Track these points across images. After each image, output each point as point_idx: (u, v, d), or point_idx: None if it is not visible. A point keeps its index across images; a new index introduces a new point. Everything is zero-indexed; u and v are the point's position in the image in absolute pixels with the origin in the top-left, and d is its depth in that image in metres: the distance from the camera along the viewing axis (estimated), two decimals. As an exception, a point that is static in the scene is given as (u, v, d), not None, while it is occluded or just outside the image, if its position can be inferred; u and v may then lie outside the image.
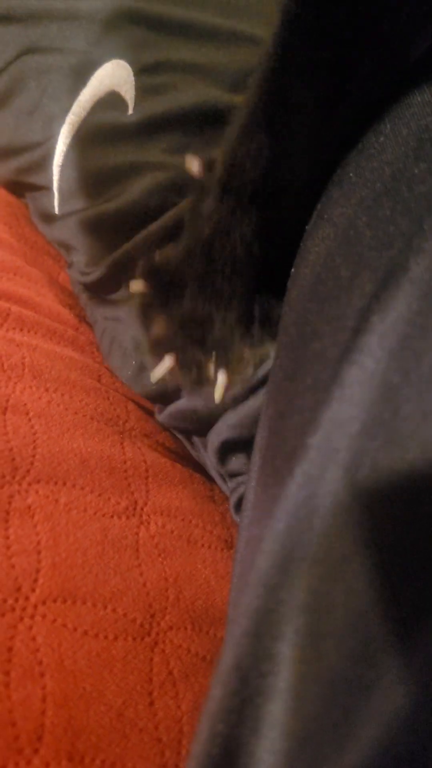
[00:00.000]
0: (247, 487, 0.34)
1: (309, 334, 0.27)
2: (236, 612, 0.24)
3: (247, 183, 0.34)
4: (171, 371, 0.38)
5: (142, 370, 0.45)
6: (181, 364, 0.38)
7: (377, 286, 0.23)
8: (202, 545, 0.38)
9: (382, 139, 0.30)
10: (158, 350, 0.38)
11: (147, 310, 0.39)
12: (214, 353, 0.38)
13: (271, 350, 0.37)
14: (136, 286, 0.39)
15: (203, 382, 0.38)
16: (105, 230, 0.46)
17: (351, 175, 0.30)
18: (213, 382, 0.38)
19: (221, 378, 0.38)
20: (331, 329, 0.25)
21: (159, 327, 0.39)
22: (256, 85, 0.33)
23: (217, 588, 0.37)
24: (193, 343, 0.38)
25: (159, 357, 0.38)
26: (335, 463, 0.21)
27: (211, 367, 0.38)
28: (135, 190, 0.45)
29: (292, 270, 0.32)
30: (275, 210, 0.35)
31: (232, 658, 0.21)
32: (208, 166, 0.38)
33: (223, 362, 0.38)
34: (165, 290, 0.38)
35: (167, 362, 0.38)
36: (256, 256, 0.35)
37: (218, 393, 0.38)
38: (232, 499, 0.41)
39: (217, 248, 0.36)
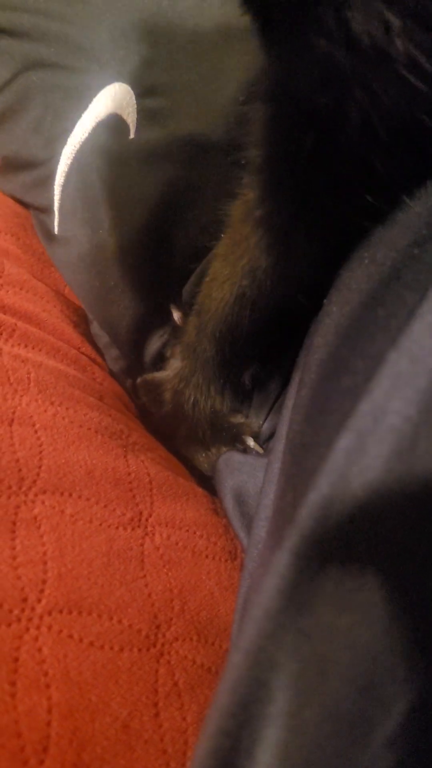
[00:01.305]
0: (260, 507, 0.34)
1: (341, 370, 0.27)
2: (239, 634, 0.24)
3: (220, 326, 0.42)
4: None
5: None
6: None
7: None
8: (207, 556, 0.39)
9: (429, 183, 0.30)
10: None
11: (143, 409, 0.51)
12: (206, 422, 0.47)
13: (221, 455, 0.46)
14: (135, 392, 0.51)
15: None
16: (91, 273, 0.48)
17: (397, 217, 0.31)
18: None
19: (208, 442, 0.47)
20: (364, 366, 0.25)
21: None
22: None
23: (221, 599, 0.37)
24: (169, 438, 0.48)
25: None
26: (349, 495, 0.21)
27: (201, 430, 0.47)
28: (126, 226, 0.46)
29: (325, 301, 0.33)
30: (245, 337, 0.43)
31: (232, 681, 0.21)
32: (187, 308, 0.48)
33: (213, 428, 0.47)
34: (153, 398, 0.49)
35: None
36: (221, 385, 0.45)
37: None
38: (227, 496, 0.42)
39: (185, 384, 0.46)
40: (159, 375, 0.49)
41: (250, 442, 0.45)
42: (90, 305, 0.49)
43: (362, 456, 0.21)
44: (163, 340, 0.50)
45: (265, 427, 0.46)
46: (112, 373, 0.49)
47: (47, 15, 0.49)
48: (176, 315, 0.49)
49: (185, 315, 0.47)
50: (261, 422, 0.47)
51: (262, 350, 0.44)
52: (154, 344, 0.50)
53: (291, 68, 0.30)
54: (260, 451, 0.45)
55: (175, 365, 0.47)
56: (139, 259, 0.46)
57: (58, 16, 0.49)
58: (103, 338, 0.49)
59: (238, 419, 0.46)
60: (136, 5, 0.48)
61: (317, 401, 0.28)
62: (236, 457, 0.45)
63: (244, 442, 0.46)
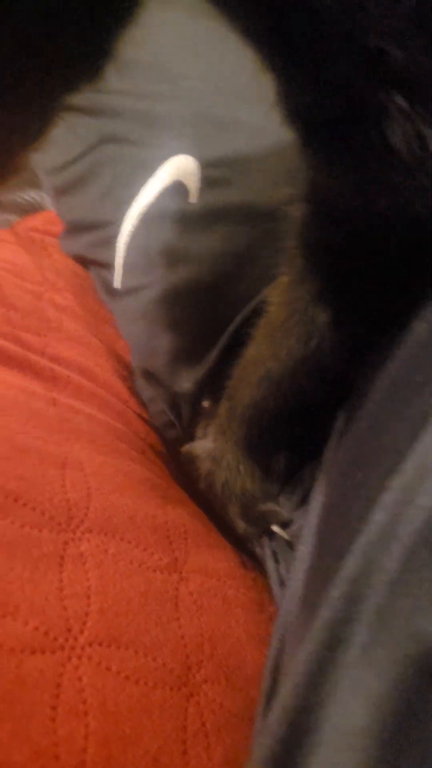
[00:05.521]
0: (296, 561, 0.36)
1: (380, 428, 0.29)
2: (274, 697, 0.25)
3: (248, 408, 0.44)
4: None
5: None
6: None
7: None
8: (236, 606, 0.40)
9: None
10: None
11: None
12: (237, 503, 0.47)
13: (288, 511, 0.46)
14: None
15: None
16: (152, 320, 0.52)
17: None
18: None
19: (240, 524, 0.47)
20: (403, 427, 0.27)
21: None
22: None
23: (249, 648, 0.39)
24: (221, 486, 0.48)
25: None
26: (396, 541, 0.22)
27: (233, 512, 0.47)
28: (179, 277, 0.51)
29: (367, 365, 0.36)
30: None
31: (289, 699, 0.22)
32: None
33: (244, 513, 0.47)
34: (190, 472, 0.50)
35: None
36: (251, 466, 0.46)
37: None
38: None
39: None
40: (195, 450, 0.50)
41: (278, 530, 0.46)
42: (138, 351, 0.53)
43: (413, 508, 0.23)
44: (191, 383, 0.51)
45: (297, 517, 0.46)
46: (156, 429, 0.52)
47: (127, 94, 0.55)
48: (206, 403, 0.51)
49: (215, 400, 0.50)
50: (292, 509, 0.47)
51: (290, 437, 0.46)
52: (184, 382, 0.52)
53: (330, 173, 0.34)
54: (285, 537, 0.45)
55: (207, 446, 0.49)
56: (189, 306, 0.50)
57: (140, 95, 0.55)
58: (146, 392, 0.53)
59: (269, 506, 0.47)
60: (213, 97, 0.54)
61: (355, 456, 0.31)
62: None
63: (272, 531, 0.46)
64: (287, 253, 0.40)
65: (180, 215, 0.51)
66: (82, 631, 0.33)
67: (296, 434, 0.46)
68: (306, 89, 0.27)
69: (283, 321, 0.41)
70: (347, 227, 0.34)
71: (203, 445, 0.50)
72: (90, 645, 0.33)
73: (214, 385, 0.49)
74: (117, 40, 0.24)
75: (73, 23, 0.22)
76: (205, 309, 0.50)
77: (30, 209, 0.83)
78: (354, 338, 0.38)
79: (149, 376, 0.52)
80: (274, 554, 0.44)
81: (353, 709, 0.21)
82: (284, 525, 0.46)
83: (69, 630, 0.33)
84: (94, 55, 0.23)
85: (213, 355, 0.49)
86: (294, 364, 0.41)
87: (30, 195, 0.84)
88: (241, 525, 0.48)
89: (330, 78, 0.26)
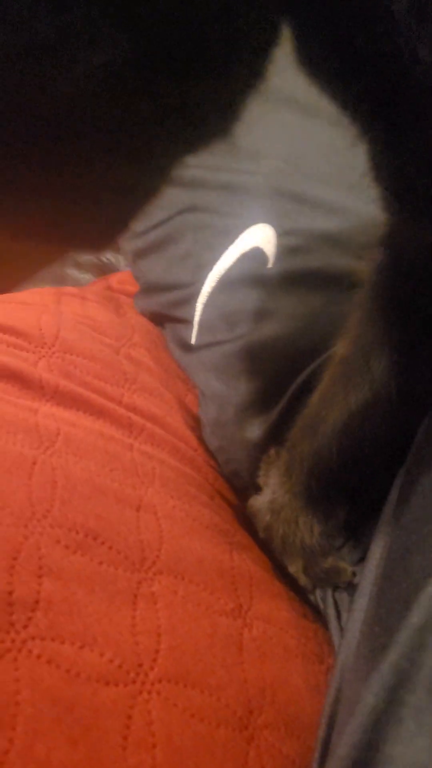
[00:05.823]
0: (352, 618, 0.37)
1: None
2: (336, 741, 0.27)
3: (308, 461, 0.47)
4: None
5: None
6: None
7: None
8: (296, 655, 0.41)
9: None
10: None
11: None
12: (298, 558, 0.48)
13: (349, 568, 0.47)
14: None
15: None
16: (228, 369, 0.55)
17: None
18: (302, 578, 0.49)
19: (302, 578, 0.48)
20: None
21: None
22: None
23: (307, 697, 0.39)
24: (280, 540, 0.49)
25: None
26: None
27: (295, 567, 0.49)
28: (260, 333, 0.54)
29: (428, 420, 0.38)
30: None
31: (356, 736, 0.24)
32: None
33: (306, 569, 0.48)
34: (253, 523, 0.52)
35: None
36: (309, 519, 0.48)
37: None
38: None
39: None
40: (256, 504, 0.52)
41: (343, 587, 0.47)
42: (209, 400, 0.56)
43: None
44: (260, 431, 0.53)
45: (359, 571, 0.46)
46: (224, 476, 0.54)
47: (208, 167, 0.59)
48: (272, 452, 0.53)
49: (278, 450, 0.52)
50: (355, 563, 0.48)
51: (349, 489, 0.47)
52: (253, 430, 0.54)
53: (413, 230, 0.36)
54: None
55: (267, 499, 0.51)
56: (262, 359, 0.53)
57: (221, 168, 0.59)
58: (214, 441, 0.55)
59: (331, 563, 0.48)
60: (292, 175, 0.58)
61: (421, 514, 0.32)
62: None
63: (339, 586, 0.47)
64: (357, 303, 0.43)
65: (258, 278, 0.55)
66: (152, 668, 0.35)
67: (355, 487, 0.47)
68: (401, 152, 0.28)
69: (344, 370, 0.43)
70: (419, 277, 0.36)
71: (264, 498, 0.51)
72: (159, 681, 0.35)
73: (281, 434, 0.51)
74: (245, 102, 0.26)
75: (211, 87, 0.23)
76: (277, 362, 0.53)
77: (106, 270, 0.89)
78: (414, 390, 0.40)
79: (218, 424, 0.55)
80: (336, 606, 0.45)
81: (417, 746, 0.22)
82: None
83: (140, 665, 0.35)
84: (226, 116, 0.25)
85: (282, 404, 0.52)
86: (350, 412, 0.43)
87: (107, 256, 0.90)
88: (303, 579, 0.48)
89: (426, 139, 0.27)
